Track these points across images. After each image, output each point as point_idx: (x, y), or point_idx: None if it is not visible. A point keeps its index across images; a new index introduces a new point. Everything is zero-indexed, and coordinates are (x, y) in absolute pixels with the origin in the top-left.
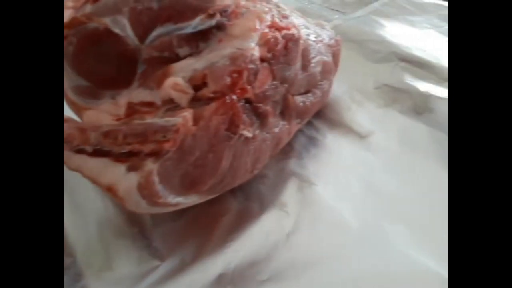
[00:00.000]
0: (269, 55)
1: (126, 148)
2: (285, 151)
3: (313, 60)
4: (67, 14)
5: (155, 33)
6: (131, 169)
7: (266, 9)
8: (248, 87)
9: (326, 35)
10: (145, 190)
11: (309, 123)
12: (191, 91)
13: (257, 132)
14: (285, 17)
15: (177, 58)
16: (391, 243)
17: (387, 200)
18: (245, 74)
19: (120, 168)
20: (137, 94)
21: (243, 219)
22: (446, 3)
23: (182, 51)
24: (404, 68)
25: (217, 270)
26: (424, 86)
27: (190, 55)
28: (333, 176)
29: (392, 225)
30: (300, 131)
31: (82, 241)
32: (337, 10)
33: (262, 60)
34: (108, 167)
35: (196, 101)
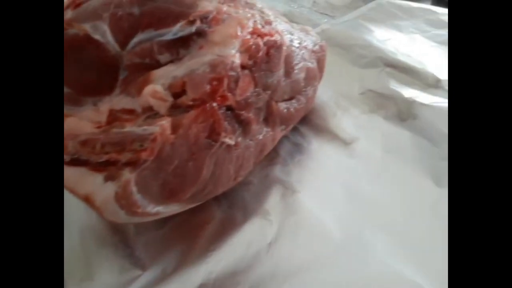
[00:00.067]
0: (250, 62)
1: (104, 158)
2: (271, 157)
3: (297, 67)
4: None
5: (136, 39)
6: (108, 178)
7: (249, 15)
8: (229, 94)
9: (311, 41)
10: (123, 200)
11: (295, 129)
12: (170, 99)
13: (239, 139)
14: (268, 23)
15: (158, 65)
16: (372, 252)
17: (370, 209)
18: (226, 81)
19: (98, 177)
20: (119, 101)
21: (226, 228)
22: (433, 8)
23: (163, 57)
24: (390, 74)
25: (198, 280)
26: (408, 92)
27: (171, 61)
28: (317, 184)
29: (374, 234)
30: (286, 137)
31: (64, 250)
32: (326, 14)
33: (243, 67)
34: (85, 177)
35: (175, 109)
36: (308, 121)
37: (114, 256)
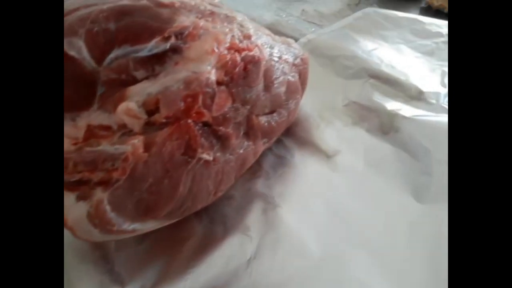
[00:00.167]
0: (226, 78)
1: (77, 177)
2: (253, 170)
3: (277, 81)
4: None
5: (112, 55)
6: (80, 198)
7: (227, 30)
8: (205, 110)
9: (293, 54)
10: (96, 219)
11: (279, 141)
12: (144, 116)
13: (218, 154)
14: (247, 37)
15: (135, 81)
16: (350, 270)
17: (350, 225)
18: (200, 98)
19: (70, 197)
20: (96, 116)
21: (207, 244)
22: (419, 17)
23: (138, 74)
24: (373, 85)
25: None
26: (391, 105)
27: (147, 78)
28: (298, 198)
29: (353, 251)
30: (269, 149)
31: None
32: (314, 23)
33: (220, 83)
34: None
35: (150, 126)
36: (292, 133)
37: (94, 271)
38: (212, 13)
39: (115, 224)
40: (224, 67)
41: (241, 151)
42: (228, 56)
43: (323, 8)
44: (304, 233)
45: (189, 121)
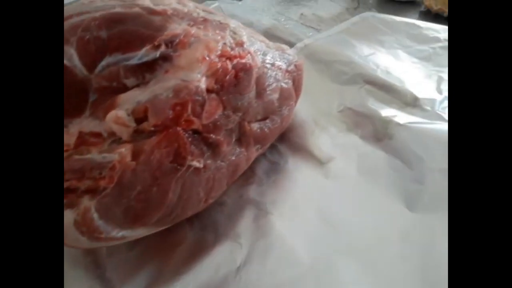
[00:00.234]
0: (216, 86)
1: (64, 185)
2: (247, 176)
3: (269, 88)
4: None
5: (104, 62)
6: (67, 206)
7: (219, 37)
8: (195, 118)
9: (286, 60)
10: (83, 227)
11: (273, 147)
12: (133, 124)
13: (209, 161)
14: (240, 44)
15: (126, 89)
16: (341, 279)
17: (341, 233)
18: (190, 106)
19: None
20: (88, 123)
21: (197, 250)
22: (417, 22)
23: (129, 82)
24: (369, 91)
25: None
26: (386, 111)
27: (138, 86)
28: (290, 205)
29: (343, 260)
30: (263, 155)
31: None
32: (312, 27)
33: (210, 91)
34: None
35: (139, 134)
36: (286, 139)
37: (85, 277)
38: (204, 20)
39: (103, 232)
40: (214, 75)
41: (233, 157)
42: (219, 64)
43: (321, 12)
44: (295, 241)
45: (179, 129)
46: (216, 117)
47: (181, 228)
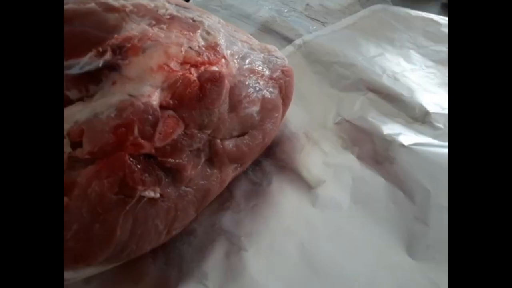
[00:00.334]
0: (173, 101)
1: None
2: (223, 199)
3: (247, 99)
4: None
5: None
6: None
7: (184, 40)
8: (144, 141)
9: (272, 64)
10: None
11: (257, 163)
12: (68, 150)
13: (168, 189)
14: (212, 47)
15: (69, 102)
16: None
17: (326, 280)
18: (136, 127)
19: None
20: None
21: None
22: (435, 17)
23: (71, 94)
24: (371, 101)
25: None
26: (388, 128)
27: (82, 99)
28: (268, 240)
29: None
30: (245, 173)
31: None
32: (317, 20)
33: (165, 107)
34: None
35: (76, 162)
36: (272, 154)
37: None
38: (171, 18)
39: None
40: (172, 87)
41: (203, 181)
42: (179, 74)
43: (330, 2)
44: (270, 287)
45: (124, 154)
46: (175, 137)
47: (144, 260)
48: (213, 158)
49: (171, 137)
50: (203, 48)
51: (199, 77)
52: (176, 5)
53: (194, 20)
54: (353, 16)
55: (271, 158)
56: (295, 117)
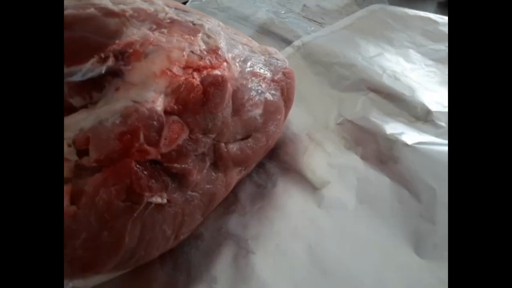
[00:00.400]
0: (177, 106)
1: None
2: (228, 203)
3: (250, 102)
4: None
5: None
6: None
7: (185, 44)
8: (149, 147)
9: (273, 67)
10: None
11: (261, 166)
12: (74, 158)
13: (175, 195)
14: (214, 50)
15: (72, 109)
16: None
17: (335, 281)
18: (141, 133)
19: None
20: None
21: None
22: (433, 16)
23: (74, 101)
24: (373, 101)
25: None
26: (391, 127)
27: (85, 106)
28: (275, 242)
29: None
30: (249, 176)
31: None
32: (314, 21)
33: (169, 112)
34: None
35: (83, 170)
36: (276, 157)
37: None
38: (172, 22)
39: None
40: (175, 92)
41: (208, 185)
42: (183, 78)
43: (326, 3)
44: None
45: (130, 161)
46: (180, 142)
47: (152, 266)
48: (218, 162)
49: (176, 142)
50: (205, 52)
51: (202, 82)
52: (176, 8)
53: (194, 24)
54: (350, 16)
55: (275, 160)
56: (297, 119)
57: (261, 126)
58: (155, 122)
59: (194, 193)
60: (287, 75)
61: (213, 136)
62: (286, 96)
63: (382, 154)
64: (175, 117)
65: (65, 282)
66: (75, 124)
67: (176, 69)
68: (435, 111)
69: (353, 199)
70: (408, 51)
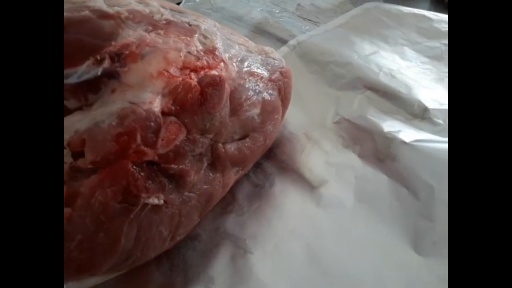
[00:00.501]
0: (175, 107)
1: None
2: (225, 203)
3: (247, 102)
4: None
5: None
6: None
7: (182, 44)
8: (147, 149)
9: (270, 66)
10: None
11: (258, 165)
12: (69, 160)
13: (172, 196)
14: (210, 51)
15: (67, 111)
16: None
17: (332, 279)
18: (138, 134)
19: None
20: None
21: None
22: (427, 13)
23: (69, 103)
24: (369, 99)
25: None
26: (388, 125)
27: (80, 108)
28: (273, 242)
29: None
30: (246, 175)
31: None
32: (309, 20)
33: (167, 113)
34: None
35: (78, 172)
36: (273, 156)
37: None
38: (168, 23)
39: None
40: (173, 93)
41: (206, 186)
42: (180, 79)
43: (321, 2)
44: None
45: (127, 163)
46: (178, 143)
47: (148, 267)
48: (216, 162)
49: (173, 143)
50: (202, 53)
51: (199, 82)
52: (171, 9)
53: (190, 25)
54: (345, 15)
55: (272, 159)
56: (294, 118)
57: (258, 125)
58: (152, 123)
59: (191, 194)
60: (284, 74)
61: (210, 136)
62: (284, 95)
63: (380, 152)
64: (173, 118)
65: None
66: (70, 126)
67: (173, 70)
68: (432, 109)
69: (351, 198)
70: (403, 48)
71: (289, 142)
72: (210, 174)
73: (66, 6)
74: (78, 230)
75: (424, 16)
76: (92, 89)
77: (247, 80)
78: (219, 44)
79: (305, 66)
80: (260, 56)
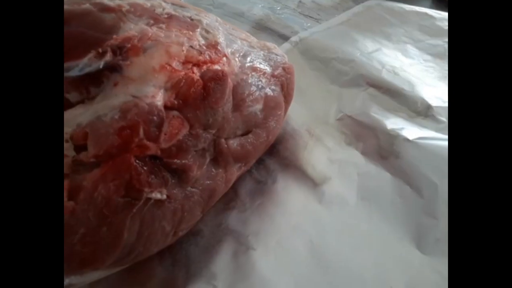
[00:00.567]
0: (177, 101)
1: None
2: (228, 199)
3: (250, 98)
4: None
5: None
6: None
7: (184, 38)
8: (149, 143)
9: (273, 62)
10: None
11: (260, 162)
12: (71, 153)
13: (174, 190)
14: (213, 45)
15: (69, 105)
16: None
17: (334, 276)
18: (141, 128)
19: None
20: None
21: None
22: (429, 11)
23: (71, 96)
24: (372, 96)
25: None
26: (391, 122)
27: (82, 101)
28: (276, 238)
29: None
30: (249, 172)
31: None
32: (310, 17)
33: (169, 107)
34: None
35: (81, 165)
36: (275, 153)
37: None
38: (169, 17)
39: None
40: (175, 87)
41: (208, 181)
42: (182, 73)
43: None
44: (281, 285)
45: (129, 157)
46: (180, 138)
47: (150, 261)
48: (218, 157)
49: (176, 137)
50: (204, 47)
51: (202, 76)
52: (173, 4)
53: (192, 19)
54: (347, 12)
55: (275, 156)
56: (297, 115)
57: (261, 121)
58: (155, 117)
59: (194, 189)
60: (286, 70)
61: (213, 131)
62: (286, 91)
63: (383, 149)
64: (175, 112)
65: None
66: (72, 119)
67: (175, 64)
68: (435, 106)
69: (354, 195)
70: (406, 46)
71: (292, 138)
72: (213, 169)
73: None
74: (81, 224)
75: (426, 14)
76: (94, 82)
77: (250, 75)
78: (221, 39)
79: (307, 63)
80: (262, 52)
